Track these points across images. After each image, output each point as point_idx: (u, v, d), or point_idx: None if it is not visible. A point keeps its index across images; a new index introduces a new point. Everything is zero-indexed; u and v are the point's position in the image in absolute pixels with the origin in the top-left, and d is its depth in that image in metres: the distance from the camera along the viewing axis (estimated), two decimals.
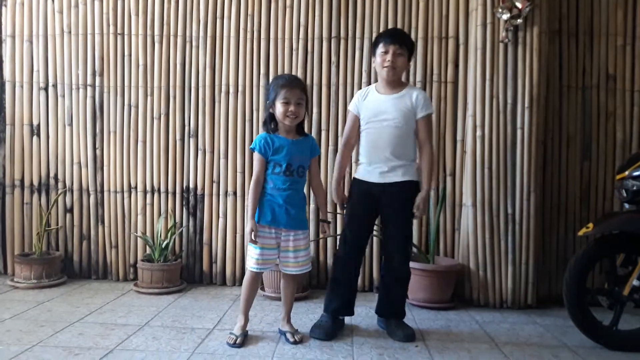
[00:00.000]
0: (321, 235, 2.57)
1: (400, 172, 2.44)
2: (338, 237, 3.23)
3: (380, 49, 2.43)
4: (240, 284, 3.32)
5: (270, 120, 2.36)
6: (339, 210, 2.86)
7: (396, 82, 2.49)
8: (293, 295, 2.48)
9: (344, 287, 2.54)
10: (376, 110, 2.46)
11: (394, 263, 2.50)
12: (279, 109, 2.30)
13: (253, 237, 2.28)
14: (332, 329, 2.47)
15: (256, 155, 2.35)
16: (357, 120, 2.53)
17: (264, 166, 2.34)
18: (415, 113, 2.45)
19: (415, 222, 3.26)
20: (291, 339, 2.36)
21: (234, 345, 2.28)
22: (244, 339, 2.34)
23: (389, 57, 2.41)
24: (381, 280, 2.62)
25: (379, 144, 2.44)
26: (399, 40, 2.42)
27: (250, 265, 2.36)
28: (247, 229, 2.31)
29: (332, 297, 2.54)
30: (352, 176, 2.60)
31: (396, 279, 2.53)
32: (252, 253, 2.34)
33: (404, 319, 2.55)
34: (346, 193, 2.62)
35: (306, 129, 3.28)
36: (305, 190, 2.46)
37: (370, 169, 2.47)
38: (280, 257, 2.39)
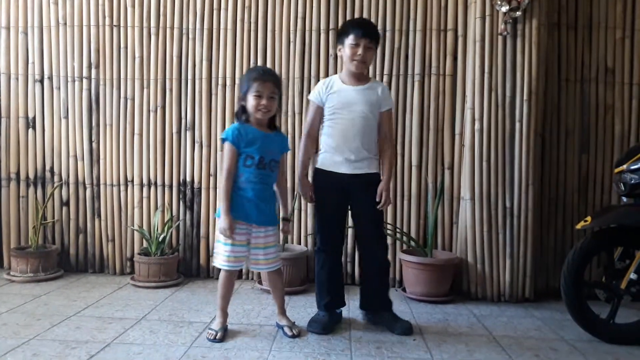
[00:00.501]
0: (282, 234, 2.52)
1: (366, 163, 2.44)
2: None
3: (351, 40, 2.40)
4: (238, 278, 3.33)
5: (242, 113, 2.31)
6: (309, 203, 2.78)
7: (362, 75, 2.50)
8: (282, 290, 2.46)
9: (329, 282, 2.53)
10: (346, 100, 2.44)
11: (372, 255, 2.52)
12: (250, 102, 2.26)
13: (229, 234, 2.23)
14: (329, 323, 2.46)
15: (228, 146, 2.27)
16: (320, 110, 2.49)
17: (235, 157, 2.27)
18: (379, 106, 2.47)
19: (413, 215, 3.26)
20: (289, 333, 2.35)
21: (214, 340, 2.26)
22: (224, 334, 2.32)
23: (360, 50, 2.39)
24: (362, 274, 2.63)
25: (349, 134, 2.42)
26: (370, 34, 2.42)
27: (221, 263, 2.30)
28: (223, 224, 2.23)
29: (322, 294, 2.53)
30: (315, 165, 2.52)
31: (377, 271, 2.54)
32: (222, 250, 2.29)
33: (392, 308, 2.55)
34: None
35: (304, 122, 3.29)
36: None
37: (340, 159, 2.43)
38: (251, 255, 2.35)
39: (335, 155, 2.45)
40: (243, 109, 2.31)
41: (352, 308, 2.75)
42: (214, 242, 3.30)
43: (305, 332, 2.41)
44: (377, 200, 2.41)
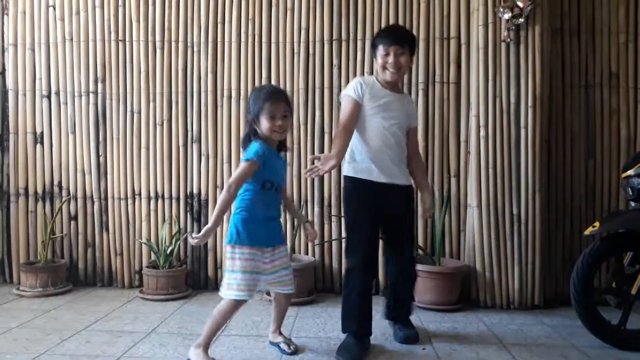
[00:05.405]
0: (311, 238, 2.41)
1: (402, 174, 2.41)
2: (337, 243, 3.24)
3: (381, 51, 2.34)
4: None
5: (254, 135, 2.17)
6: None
7: (398, 85, 2.46)
8: (285, 312, 2.38)
9: (361, 307, 2.32)
10: (385, 104, 2.34)
11: (404, 266, 2.48)
12: (264, 124, 2.12)
13: (199, 239, 2.03)
14: (361, 352, 2.26)
15: (251, 162, 2.09)
16: (359, 107, 2.33)
17: (252, 173, 2.11)
18: (410, 120, 2.45)
19: (420, 224, 3.25)
20: (287, 350, 2.26)
21: None
22: None
23: (390, 59, 2.32)
24: (390, 285, 2.56)
25: (386, 140, 2.33)
26: (399, 40, 2.33)
27: (233, 293, 2.10)
28: (205, 232, 2.03)
29: (351, 319, 2.33)
30: (348, 175, 2.38)
31: (407, 282, 2.51)
32: (236, 278, 2.10)
33: (409, 318, 2.54)
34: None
35: (309, 133, 3.32)
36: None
37: (377, 168, 2.31)
38: (273, 277, 2.23)
39: (371, 162, 2.32)
40: (255, 131, 2.17)
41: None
42: (223, 253, 3.33)
43: (303, 348, 2.33)
44: (424, 211, 2.47)
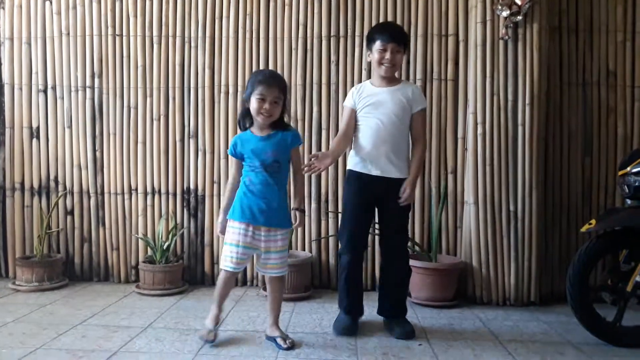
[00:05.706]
0: (294, 225, 2.42)
1: (398, 168, 2.45)
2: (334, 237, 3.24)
3: (378, 46, 2.43)
4: (243, 285, 3.35)
5: (245, 116, 2.31)
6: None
7: (393, 78, 2.51)
8: (280, 300, 2.39)
9: (348, 287, 2.52)
10: (375, 102, 2.45)
11: (397, 261, 2.51)
12: (253, 104, 2.22)
13: (219, 230, 2.37)
14: (353, 325, 2.50)
15: (230, 158, 2.39)
16: (354, 113, 2.50)
17: (236, 166, 2.35)
18: (411, 107, 2.47)
19: (417, 220, 3.26)
20: (284, 345, 2.26)
21: (213, 342, 2.30)
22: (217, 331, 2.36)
23: (387, 55, 2.41)
24: (383, 281, 2.58)
25: (380, 135, 2.42)
26: (397, 38, 2.43)
27: (225, 264, 2.29)
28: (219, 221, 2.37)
29: (341, 297, 2.56)
30: (348, 167, 2.55)
31: (401, 277, 2.54)
32: (227, 251, 2.28)
33: (405, 315, 2.56)
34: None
35: (306, 129, 3.31)
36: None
37: (370, 161, 2.44)
38: (262, 258, 2.32)
39: (365, 156, 2.45)
40: (247, 112, 2.29)
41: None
42: (220, 249, 3.32)
43: (300, 344, 2.35)
44: (400, 195, 2.40)
